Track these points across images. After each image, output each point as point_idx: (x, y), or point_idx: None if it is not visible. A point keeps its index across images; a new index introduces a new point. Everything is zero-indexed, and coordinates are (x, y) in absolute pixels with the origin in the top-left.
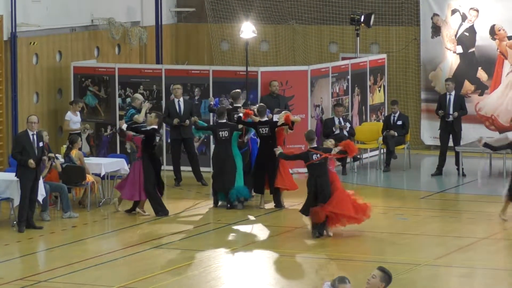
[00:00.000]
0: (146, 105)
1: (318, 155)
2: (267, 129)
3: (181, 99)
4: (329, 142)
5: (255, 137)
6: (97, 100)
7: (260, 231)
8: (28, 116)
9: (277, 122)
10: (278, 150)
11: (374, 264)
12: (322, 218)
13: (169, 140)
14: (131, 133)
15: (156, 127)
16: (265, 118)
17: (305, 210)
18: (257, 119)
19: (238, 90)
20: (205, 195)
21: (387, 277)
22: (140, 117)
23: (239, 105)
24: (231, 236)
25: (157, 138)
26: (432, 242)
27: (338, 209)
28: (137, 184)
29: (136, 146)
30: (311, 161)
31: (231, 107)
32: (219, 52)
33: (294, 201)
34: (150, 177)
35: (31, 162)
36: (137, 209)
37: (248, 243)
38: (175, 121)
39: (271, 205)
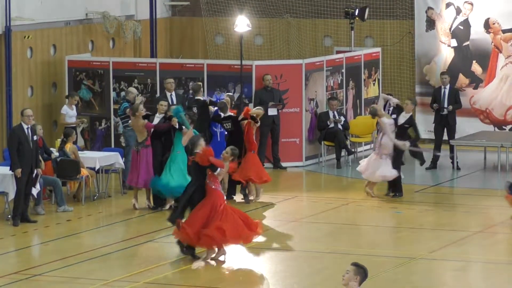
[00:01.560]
0: (140, 99)
1: None
2: (229, 124)
3: (173, 93)
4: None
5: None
6: (92, 94)
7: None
8: (22, 109)
9: (238, 117)
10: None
11: (369, 257)
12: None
13: None
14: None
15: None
16: (228, 114)
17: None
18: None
19: (199, 83)
20: None
21: (361, 270)
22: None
23: (200, 97)
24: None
25: None
26: (426, 235)
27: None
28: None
29: (147, 133)
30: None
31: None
32: (214, 46)
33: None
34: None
35: (18, 171)
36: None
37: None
38: (168, 114)
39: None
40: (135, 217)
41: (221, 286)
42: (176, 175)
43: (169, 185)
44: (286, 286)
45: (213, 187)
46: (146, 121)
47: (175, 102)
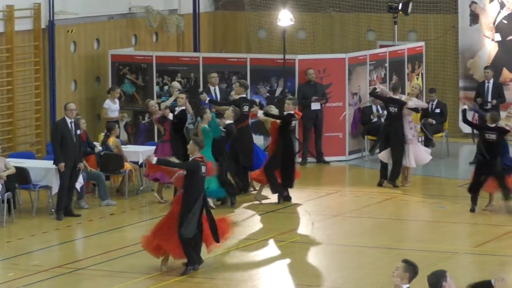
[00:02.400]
0: (176, 94)
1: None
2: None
3: (217, 87)
4: None
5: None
6: (135, 88)
7: (297, 220)
8: (65, 103)
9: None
10: (153, 158)
11: (412, 252)
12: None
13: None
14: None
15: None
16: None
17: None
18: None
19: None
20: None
21: (411, 267)
22: (164, 103)
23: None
24: (266, 224)
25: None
26: (470, 230)
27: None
28: None
29: (164, 129)
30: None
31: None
32: (257, 40)
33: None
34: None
35: (61, 166)
36: (155, 194)
37: (285, 231)
38: (213, 109)
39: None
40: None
41: (260, 281)
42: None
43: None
44: (331, 280)
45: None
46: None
47: (218, 96)
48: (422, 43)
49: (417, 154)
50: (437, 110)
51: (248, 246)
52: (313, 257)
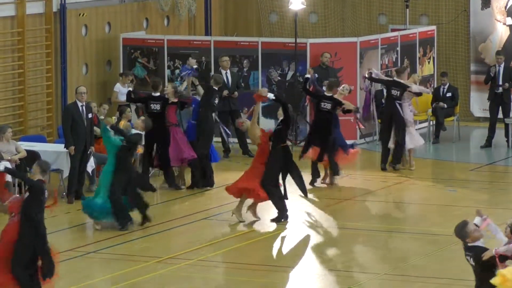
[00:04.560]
0: (190, 80)
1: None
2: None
3: (228, 71)
4: None
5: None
6: (146, 72)
7: (309, 204)
8: (76, 87)
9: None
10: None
11: (424, 236)
12: None
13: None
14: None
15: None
16: (157, 94)
17: None
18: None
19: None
20: None
21: None
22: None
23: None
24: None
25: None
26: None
27: None
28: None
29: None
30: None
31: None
32: (268, 24)
33: None
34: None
35: (71, 149)
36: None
37: (295, 216)
38: (225, 92)
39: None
40: (189, 194)
41: (279, 263)
42: None
43: None
44: (341, 263)
45: None
46: None
47: (230, 80)
48: (433, 27)
49: (414, 137)
50: (448, 94)
51: (258, 232)
52: (325, 240)
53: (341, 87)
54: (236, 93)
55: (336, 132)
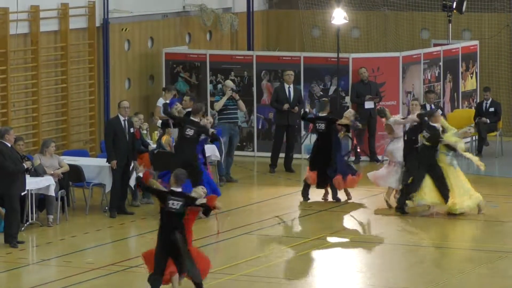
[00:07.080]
0: (229, 93)
1: (177, 204)
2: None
3: (291, 86)
4: (201, 190)
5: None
6: (188, 86)
7: (348, 219)
8: (119, 101)
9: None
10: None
11: (464, 251)
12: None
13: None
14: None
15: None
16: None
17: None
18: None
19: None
20: (295, 181)
21: None
22: (216, 105)
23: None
24: (318, 224)
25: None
26: None
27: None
28: None
29: None
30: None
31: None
32: (310, 39)
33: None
34: None
35: (113, 163)
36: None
37: (337, 230)
38: (285, 106)
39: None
40: (231, 209)
41: (317, 278)
42: None
43: None
44: (382, 279)
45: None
46: None
47: (292, 95)
48: (476, 42)
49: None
50: (491, 109)
51: (299, 245)
52: (365, 256)
53: (347, 111)
54: (296, 108)
55: (337, 156)
